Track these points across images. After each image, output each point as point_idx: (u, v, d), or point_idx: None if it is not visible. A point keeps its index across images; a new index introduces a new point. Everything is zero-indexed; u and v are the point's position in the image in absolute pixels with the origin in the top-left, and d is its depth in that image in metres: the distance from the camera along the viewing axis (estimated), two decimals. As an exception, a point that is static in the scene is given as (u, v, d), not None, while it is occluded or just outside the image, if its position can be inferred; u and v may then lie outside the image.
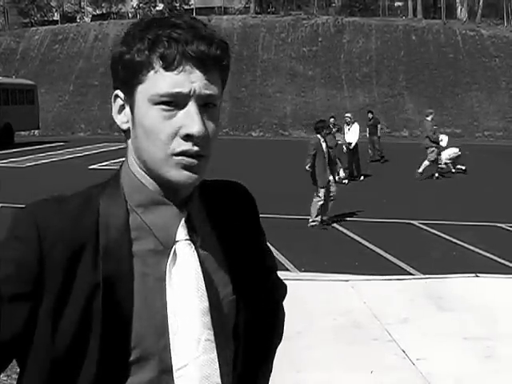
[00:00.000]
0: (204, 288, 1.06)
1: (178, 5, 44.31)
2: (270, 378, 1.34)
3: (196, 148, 1.01)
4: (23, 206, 1.08)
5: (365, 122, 19.37)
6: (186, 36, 1.00)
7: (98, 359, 1.00)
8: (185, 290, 1.05)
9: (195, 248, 1.08)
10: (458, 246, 8.63)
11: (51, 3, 48.49)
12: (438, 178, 15.82)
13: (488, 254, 8.07)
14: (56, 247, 1.01)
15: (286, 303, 1.37)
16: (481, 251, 8.25)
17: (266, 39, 38.23)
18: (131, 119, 1.05)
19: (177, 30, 1.00)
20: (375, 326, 5.43)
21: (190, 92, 1.00)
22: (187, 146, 1.01)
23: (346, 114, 17.04)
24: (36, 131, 30.61)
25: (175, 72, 1.00)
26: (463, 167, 16.89)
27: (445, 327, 5.39)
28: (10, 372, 3.92)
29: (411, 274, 7.23)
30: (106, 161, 18.13)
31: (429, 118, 15.76)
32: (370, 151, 19.37)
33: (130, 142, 1.08)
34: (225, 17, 41.24)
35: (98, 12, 48.75)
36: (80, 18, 47.34)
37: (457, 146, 17.35)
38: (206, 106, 1.03)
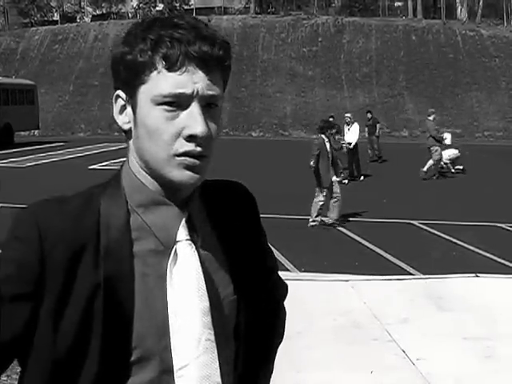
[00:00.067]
0: (205, 288, 1.06)
1: (177, 5, 44.30)
2: (271, 379, 1.34)
3: (199, 149, 1.01)
4: (23, 206, 1.08)
5: (364, 122, 19.38)
6: (188, 36, 1.00)
7: (99, 359, 1.00)
8: (185, 290, 1.05)
9: (196, 248, 1.08)
10: (457, 246, 8.63)
11: (51, 3, 48.48)
12: (438, 177, 15.84)
13: (488, 254, 8.07)
14: (57, 247, 1.01)
15: (286, 303, 1.37)
16: (481, 251, 8.25)
17: (265, 39, 38.23)
18: (133, 119, 1.05)
19: (179, 31, 1.00)
20: (375, 326, 5.43)
21: (193, 93, 1.00)
22: (190, 146, 1.01)
23: (346, 114, 17.06)
24: (36, 131, 30.61)
25: (178, 72, 1.00)
26: (461, 167, 16.92)
27: (445, 327, 5.39)
28: (10, 372, 3.92)
29: (411, 274, 7.23)
30: (106, 161, 18.13)
31: (431, 118, 15.79)
32: (369, 151, 19.38)
33: (131, 142, 1.08)
34: (225, 17, 41.24)
35: (97, 12, 48.74)
36: (80, 18, 47.34)
37: (456, 148, 17.38)
38: (208, 106, 1.03)
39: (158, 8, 42.57)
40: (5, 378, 4.07)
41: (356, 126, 16.20)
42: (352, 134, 15.90)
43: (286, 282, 1.38)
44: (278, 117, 33.99)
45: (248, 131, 33.56)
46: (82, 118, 34.91)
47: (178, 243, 1.06)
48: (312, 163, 9.77)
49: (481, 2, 40.43)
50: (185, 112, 1.01)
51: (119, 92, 1.07)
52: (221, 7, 44.38)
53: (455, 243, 8.74)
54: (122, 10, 48.12)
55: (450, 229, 9.58)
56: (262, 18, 40.23)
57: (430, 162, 15.60)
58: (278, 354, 1.36)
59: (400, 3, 45.98)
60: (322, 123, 10.33)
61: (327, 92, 34.80)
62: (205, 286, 1.06)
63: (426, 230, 9.71)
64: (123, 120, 1.07)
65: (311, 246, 8.71)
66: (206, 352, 1.05)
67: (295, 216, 10.43)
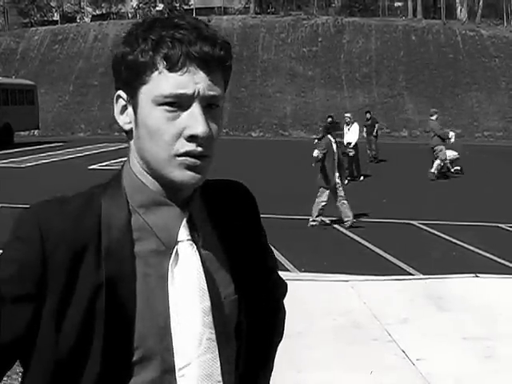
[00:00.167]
0: (206, 288, 1.06)
1: (177, 5, 44.32)
2: (271, 378, 1.35)
3: (200, 149, 1.01)
4: (23, 206, 1.08)
5: (363, 123, 19.36)
6: (189, 37, 1.00)
7: (102, 360, 1.00)
8: (187, 290, 1.05)
9: (197, 248, 1.08)
10: (457, 246, 8.63)
11: (51, 3, 48.50)
12: (438, 177, 15.84)
13: (488, 254, 8.07)
14: (59, 248, 1.01)
15: (286, 303, 1.37)
16: (481, 251, 8.25)
17: (265, 39, 38.24)
18: (134, 120, 1.05)
19: (180, 31, 1.00)
20: (375, 326, 5.44)
21: (194, 93, 1.00)
22: (191, 146, 1.01)
23: (346, 114, 17.05)
24: (36, 131, 30.62)
25: (179, 73, 1.00)
26: (459, 167, 16.94)
27: (445, 327, 5.39)
28: (10, 372, 3.92)
29: (411, 274, 7.23)
30: (106, 161, 18.13)
31: (433, 118, 15.82)
32: (368, 151, 19.37)
33: (132, 142, 1.08)
34: (225, 17, 41.25)
35: (97, 12, 48.78)
36: (80, 18, 47.37)
37: (455, 150, 17.39)
38: (209, 106, 1.03)
39: (157, 8, 42.58)
40: (5, 379, 4.07)
41: (356, 126, 16.20)
42: (352, 134, 15.89)
43: (285, 281, 1.38)
44: (278, 117, 34.00)
45: (248, 131, 33.57)
46: (81, 118, 34.91)
47: (179, 243, 1.07)
48: (316, 154, 9.71)
49: (481, 2, 40.45)
50: (186, 112, 1.01)
51: (120, 92, 1.06)
52: (221, 7, 44.39)
53: (455, 243, 8.74)
54: (122, 10, 48.14)
55: (450, 229, 9.58)
56: (262, 18, 40.24)
57: (438, 162, 15.61)
58: (278, 353, 1.36)
59: (400, 3, 45.99)
60: (328, 124, 10.33)
61: (327, 92, 34.81)
62: (206, 285, 1.06)
63: (425, 230, 9.71)
64: (124, 120, 1.07)
65: (311, 245, 8.71)
66: (208, 351, 1.05)
67: (295, 216, 10.43)
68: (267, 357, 1.32)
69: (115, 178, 1.11)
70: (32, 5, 47.04)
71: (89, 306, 1.00)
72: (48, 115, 33.21)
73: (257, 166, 17.80)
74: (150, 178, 1.07)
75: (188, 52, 0.99)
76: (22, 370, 1.07)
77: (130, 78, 1.03)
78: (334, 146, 9.86)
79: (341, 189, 9.90)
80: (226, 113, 31.54)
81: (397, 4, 46.60)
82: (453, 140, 16.42)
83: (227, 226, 1.16)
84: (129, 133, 1.08)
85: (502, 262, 7.74)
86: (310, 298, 6.06)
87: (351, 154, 15.18)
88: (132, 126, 1.06)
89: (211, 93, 1.02)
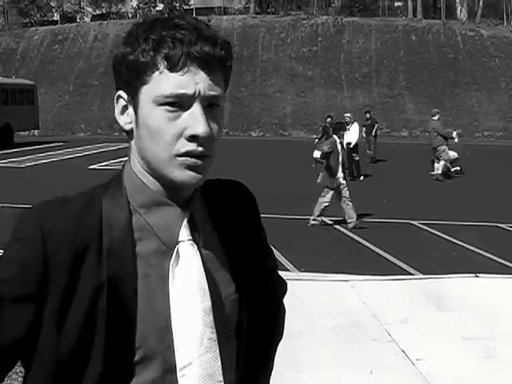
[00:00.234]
0: (207, 287, 1.06)
1: (177, 5, 44.32)
2: (271, 378, 1.35)
3: (200, 148, 1.01)
4: (23, 206, 1.08)
5: (363, 123, 19.35)
6: (190, 37, 1.00)
7: (103, 360, 1.00)
8: (188, 290, 1.05)
9: (198, 248, 1.08)
10: (457, 246, 8.63)
11: (51, 3, 48.50)
12: (438, 178, 15.83)
13: (488, 254, 8.07)
14: (60, 248, 1.01)
15: (285, 303, 1.38)
16: (481, 251, 8.26)
17: (265, 39, 38.24)
18: (135, 120, 1.05)
19: (181, 31, 1.00)
20: (375, 326, 5.44)
21: (194, 93, 1.00)
22: (192, 146, 1.01)
23: (346, 114, 17.05)
24: (36, 131, 30.63)
25: (180, 73, 1.00)
26: (459, 168, 16.94)
27: (445, 327, 5.39)
28: (10, 372, 3.93)
29: (411, 274, 7.23)
30: (106, 161, 18.14)
31: (435, 118, 15.85)
32: (367, 151, 19.36)
33: (133, 142, 1.08)
34: (225, 17, 41.25)
35: (97, 12, 48.78)
36: (80, 18, 47.38)
37: (455, 150, 17.39)
38: (210, 106, 1.03)
39: (157, 8, 42.59)
40: (5, 379, 4.08)
41: (356, 126, 16.21)
42: (352, 134, 15.89)
43: (285, 280, 1.38)
44: (278, 117, 34.00)
45: (248, 131, 33.57)
46: (81, 118, 34.91)
47: (180, 243, 1.07)
48: (317, 154, 9.73)
49: (481, 2, 40.45)
50: (186, 112, 1.01)
51: (121, 92, 1.06)
52: (221, 7, 44.40)
53: (455, 243, 8.75)
54: (122, 10, 48.15)
55: (450, 229, 9.58)
56: (262, 18, 40.25)
57: (442, 162, 15.61)
58: (278, 353, 1.36)
59: (400, 3, 46.00)
60: (334, 124, 10.39)
61: (327, 92, 34.81)
62: (207, 285, 1.06)
63: (425, 230, 9.71)
64: (125, 120, 1.07)
65: (311, 245, 8.71)
66: (209, 351, 1.05)
67: (295, 216, 10.43)
68: (267, 356, 1.32)
69: (116, 177, 1.11)
70: (32, 5, 47.05)
71: (90, 305, 1.00)
72: (48, 115, 33.21)
73: (257, 165, 17.80)
74: (151, 177, 1.07)
75: (189, 52, 0.99)
76: (22, 370, 1.08)
77: (131, 78, 1.03)
78: (339, 146, 9.89)
79: (346, 189, 9.88)
80: (225, 113, 31.52)
81: (397, 4, 46.61)
82: (456, 140, 16.43)
83: (228, 225, 1.16)
84: (129, 133, 1.08)
85: (503, 261, 7.74)
86: (310, 298, 6.07)
87: (357, 158, 15.25)
88: (133, 126, 1.06)
89: (212, 93, 1.02)
